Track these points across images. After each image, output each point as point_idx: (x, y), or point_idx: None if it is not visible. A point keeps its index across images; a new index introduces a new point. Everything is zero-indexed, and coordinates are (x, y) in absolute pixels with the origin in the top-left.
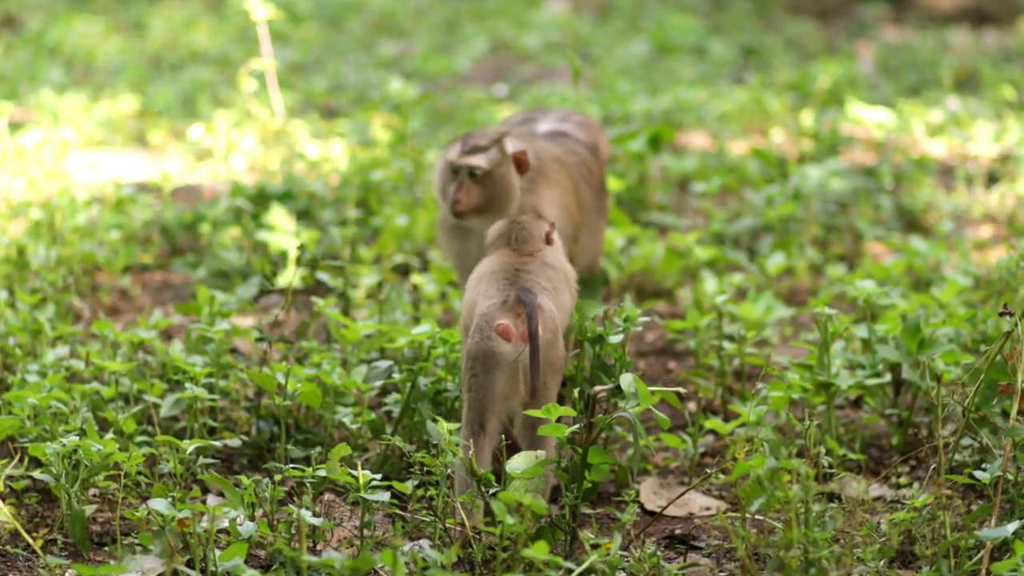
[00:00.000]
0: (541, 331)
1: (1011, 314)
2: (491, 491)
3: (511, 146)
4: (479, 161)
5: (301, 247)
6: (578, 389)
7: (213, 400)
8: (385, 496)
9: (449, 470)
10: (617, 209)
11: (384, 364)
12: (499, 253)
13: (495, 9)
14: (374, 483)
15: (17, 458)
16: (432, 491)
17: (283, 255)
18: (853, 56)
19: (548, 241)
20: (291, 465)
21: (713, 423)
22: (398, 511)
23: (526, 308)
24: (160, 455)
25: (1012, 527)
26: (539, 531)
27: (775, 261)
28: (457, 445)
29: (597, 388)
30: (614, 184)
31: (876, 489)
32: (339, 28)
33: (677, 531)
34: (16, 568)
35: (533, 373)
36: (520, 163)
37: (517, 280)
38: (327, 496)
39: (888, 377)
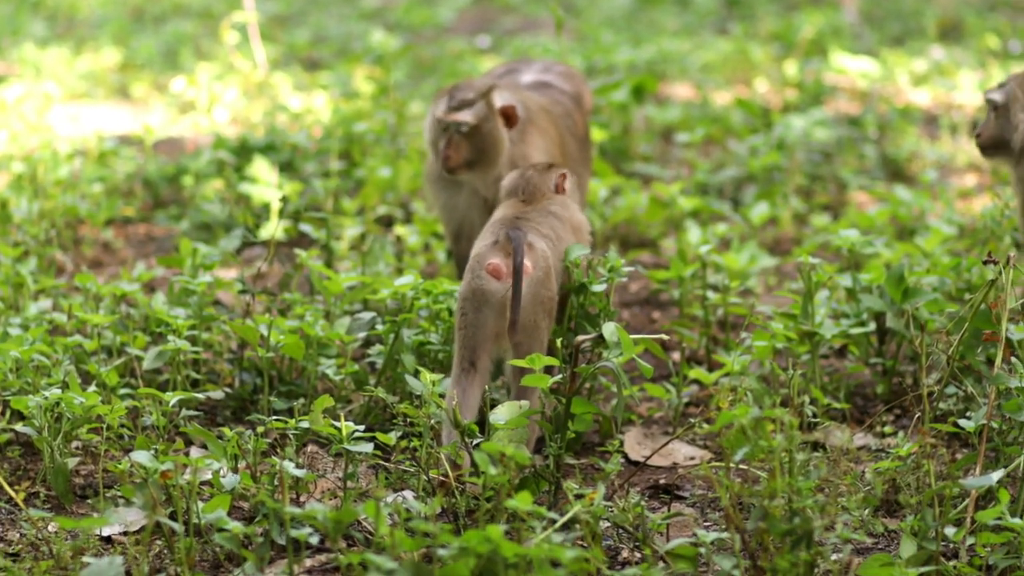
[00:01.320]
0: (531, 268)
1: (995, 262)
2: (475, 442)
3: (499, 100)
4: (466, 117)
5: (284, 199)
6: (561, 339)
7: (196, 352)
8: (368, 447)
9: (432, 421)
10: (601, 160)
11: (367, 315)
12: (507, 204)
13: None
14: (357, 434)
15: (0, 411)
16: (415, 442)
17: (266, 207)
18: (837, 6)
19: (559, 190)
20: (274, 417)
21: (697, 373)
22: (381, 462)
23: (513, 244)
24: (143, 407)
25: (997, 475)
26: (523, 481)
27: (759, 211)
28: (441, 396)
29: (580, 338)
30: (598, 135)
31: (860, 438)
32: None
33: (661, 481)
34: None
35: (514, 305)
36: (508, 116)
37: (514, 226)
38: (310, 448)
39: (872, 326)
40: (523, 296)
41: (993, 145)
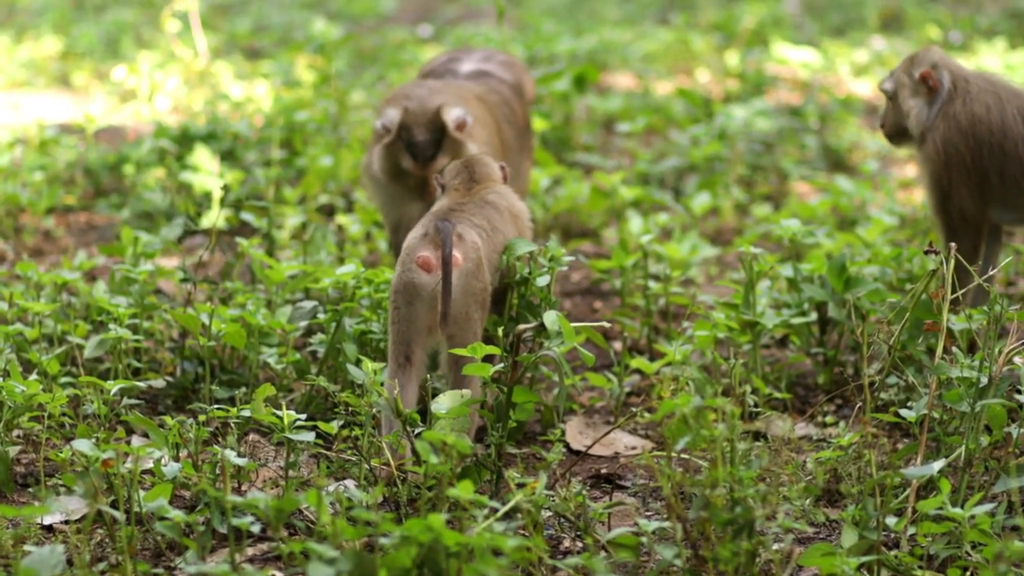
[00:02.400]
0: (461, 260)
1: (936, 252)
2: (416, 431)
3: (450, 119)
4: (423, 136)
5: (225, 188)
6: (502, 328)
7: (137, 341)
8: (310, 436)
9: (374, 410)
10: (543, 149)
11: (309, 304)
12: (446, 195)
13: None
14: (299, 423)
15: None
16: (357, 431)
17: (207, 196)
18: None
19: (504, 180)
20: (215, 406)
21: (639, 362)
22: (323, 451)
23: (440, 235)
24: (84, 396)
25: (937, 465)
26: (464, 470)
27: (700, 201)
28: (382, 385)
29: (522, 327)
30: (539, 124)
31: (802, 428)
32: None
33: (603, 470)
34: None
35: (444, 297)
36: (461, 128)
37: (445, 218)
38: (252, 436)
39: (814, 316)
40: (453, 288)
41: (896, 133)
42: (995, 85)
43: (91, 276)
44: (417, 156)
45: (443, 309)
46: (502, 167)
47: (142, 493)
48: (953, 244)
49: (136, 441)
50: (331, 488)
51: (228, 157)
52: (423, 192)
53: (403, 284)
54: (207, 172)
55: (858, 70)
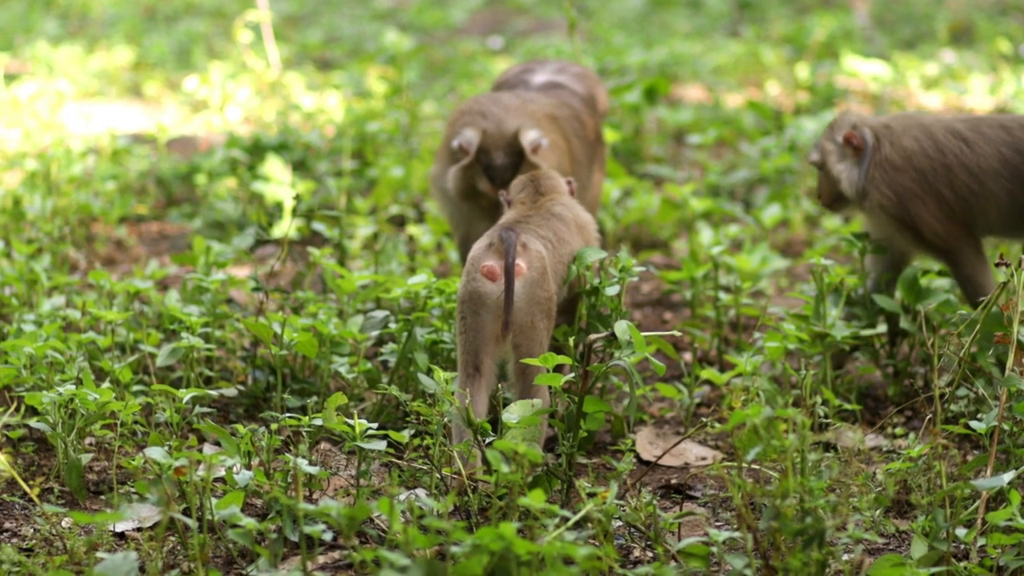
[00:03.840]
0: (525, 269)
1: (1007, 264)
2: (487, 440)
3: (528, 143)
4: (503, 160)
5: (297, 198)
6: (573, 338)
7: (209, 350)
8: (381, 445)
9: (445, 419)
10: (613, 161)
11: (380, 314)
12: (513, 208)
13: None
14: (370, 432)
15: (14, 407)
16: (428, 440)
17: (279, 206)
18: (848, 9)
19: (571, 193)
20: (287, 414)
21: (709, 373)
22: (394, 460)
23: (504, 244)
24: (156, 404)
25: (1008, 477)
26: (535, 480)
27: (771, 213)
28: (453, 394)
29: (592, 336)
30: (610, 136)
31: (872, 439)
32: None
33: (673, 480)
34: (13, 516)
35: (507, 306)
36: (536, 151)
37: (512, 228)
38: (323, 445)
39: (884, 328)
40: (517, 297)
41: (834, 200)
42: (914, 118)
43: (163, 285)
44: (495, 179)
45: (506, 317)
46: (568, 181)
47: (214, 501)
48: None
49: (208, 449)
50: (402, 497)
51: (299, 167)
52: (496, 211)
53: (468, 294)
54: (279, 182)
55: (928, 83)
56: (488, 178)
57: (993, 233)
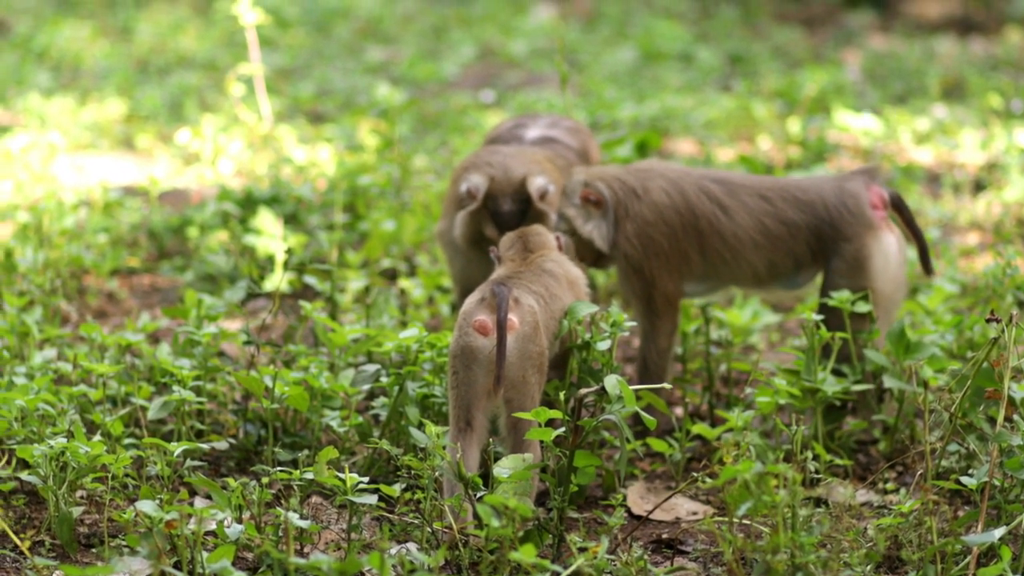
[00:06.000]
0: (517, 324)
1: (998, 320)
2: (478, 494)
3: (535, 190)
4: (510, 207)
5: (288, 251)
6: (564, 392)
7: (200, 403)
8: (372, 499)
9: (436, 473)
10: None
11: (371, 368)
12: (504, 264)
13: (482, 15)
14: (361, 486)
15: (4, 459)
16: (419, 494)
17: (270, 259)
18: (840, 64)
19: (559, 249)
20: (278, 468)
21: (700, 428)
22: (385, 514)
23: (496, 299)
24: (147, 457)
25: (998, 532)
26: (526, 534)
27: None
28: (444, 448)
29: (583, 391)
30: None
31: (863, 494)
32: (327, 33)
33: (664, 535)
34: (4, 569)
35: (499, 361)
36: (543, 197)
37: (505, 283)
38: (314, 499)
39: (875, 383)
40: (510, 351)
41: (597, 259)
42: (655, 170)
43: (155, 338)
44: (503, 225)
45: (498, 372)
46: (557, 236)
47: (205, 554)
48: (1015, 312)
49: (199, 503)
50: (393, 551)
51: (291, 220)
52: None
53: (460, 348)
54: (270, 235)
55: (920, 138)
56: (496, 225)
57: (692, 294)
